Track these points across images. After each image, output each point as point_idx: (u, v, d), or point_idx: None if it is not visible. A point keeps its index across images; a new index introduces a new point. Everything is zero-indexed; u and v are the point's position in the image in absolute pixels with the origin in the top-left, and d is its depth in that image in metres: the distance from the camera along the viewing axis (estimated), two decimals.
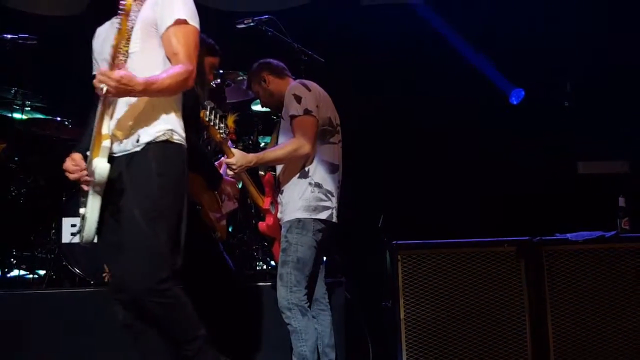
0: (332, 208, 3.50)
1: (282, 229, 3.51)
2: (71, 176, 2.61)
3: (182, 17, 2.61)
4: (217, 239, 3.68)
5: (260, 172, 3.84)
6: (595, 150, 5.49)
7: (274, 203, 3.65)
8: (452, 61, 5.53)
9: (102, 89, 2.34)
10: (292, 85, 3.56)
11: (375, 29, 5.69)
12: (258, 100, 4.39)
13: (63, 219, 4.38)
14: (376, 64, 5.69)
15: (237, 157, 3.39)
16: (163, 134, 2.59)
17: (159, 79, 2.45)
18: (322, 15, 5.66)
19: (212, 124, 3.17)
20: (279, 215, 3.57)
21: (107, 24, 2.79)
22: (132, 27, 2.58)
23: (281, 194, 3.54)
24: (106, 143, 2.47)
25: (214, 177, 3.55)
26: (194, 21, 2.66)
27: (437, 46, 5.49)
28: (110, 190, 2.54)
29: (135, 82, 2.38)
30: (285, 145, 3.47)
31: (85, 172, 2.57)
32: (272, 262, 4.53)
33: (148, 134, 2.58)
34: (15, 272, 4.75)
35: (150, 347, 2.70)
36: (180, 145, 2.64)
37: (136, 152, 2.58)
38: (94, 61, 2.78)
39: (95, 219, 2.57)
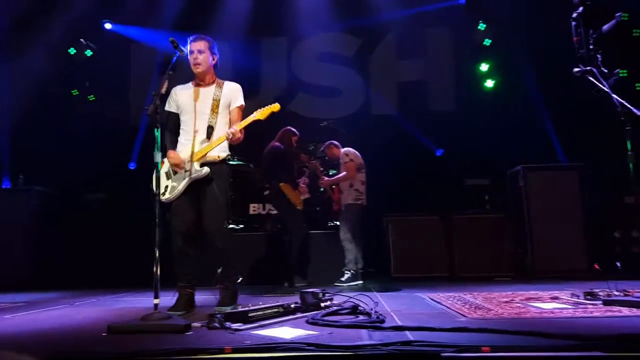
0: (362, 199, 6.09)
1: (342, 208, 6.14)
2: (172, 162, 3.73)
3: (242, 103, 3.98)
4: (298, 208, 6.01)
5: (333, 185, 6.51)
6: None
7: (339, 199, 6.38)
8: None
9: (229, 135, 3.68)
10: (345, 149, 6.26)
11: (378, 126, 8.07)
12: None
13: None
14: (383, 137, 7.82)
15: (325, 179, 6.32)
16: (227, 155, 3.90)
17: (241, 137, 3.78)
18: (356, 119, 8.12)
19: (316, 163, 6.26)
20: (341, 202, 6.28)
21: (183, 87, 3.94)
22: (219, 99, 3.86)
23: (342, 193, 6.26)
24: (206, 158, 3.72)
25: (295, 185, 6.09)
26: (243, 102, 3.97)
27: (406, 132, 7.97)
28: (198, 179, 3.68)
29: (239, 136, 3.74)
30: (343, 175, 6.13)
31: (183, 163, 3.71)
32: (337, 222, 6.66)
33: (223, 154, 3.84)
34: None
35: (190, 265, 3.77)
36: (230, 162, 3.92)
37: (215, 161, 3.78)
38: (172, 103, 3.85)
39: (181, 190, 3.70)
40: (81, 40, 8.13)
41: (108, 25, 8.35)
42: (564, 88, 6.81)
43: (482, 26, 7.96)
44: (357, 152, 6.25)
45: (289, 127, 6.25)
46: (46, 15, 7.67)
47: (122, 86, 8.54)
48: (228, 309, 3.56)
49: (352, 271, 5.87)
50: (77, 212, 7.11)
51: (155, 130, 3.18)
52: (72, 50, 8.18)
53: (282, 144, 6.11)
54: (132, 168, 7.97)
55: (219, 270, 3.56)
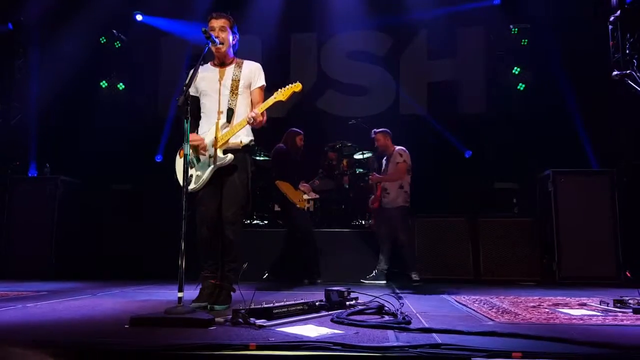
0: (409, 202, 5.92)
1: (393, 210, 5.83)
2: (193, 143, 3.53)
3: (263, 83, 3.82)
4: (299, 207, 5.92)
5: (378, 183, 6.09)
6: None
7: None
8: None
9: (251, 120, 3.48)
10: (399, 148, 5.97)
11: (407, 126, 7.71)
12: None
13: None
14: (411, 136, 7.15)
15: (375, 176, 6.00)
16: (250, 141, 3.72)
17: (264, 120, 3.57)
18: (385, 118, 7.68)
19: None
20: (383, 201, 5.92)
21: (202, 68, 3.63)
22: (238, 79, 3.67)
23: (388, 194, 5.90)
24: (229, 144, 3.56)
25: (296, 184, 6.02)
26: (264, 82, 3.80)
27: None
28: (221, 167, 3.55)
29: (261, 119, 3.51)
30: (395, 175, 5.89)
31: (204, 143, 3.57)
32: (362, 221, 6.81)
33: (246, 140, 3.67)
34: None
35: (215, 255, 3.65)
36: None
37: (238, 147, 3.60)
38: (193, 87, 3.43)
39: (206, 179, 3.58)
40: (113, 31, 8.22)
41: (139, 17, 8.44)
42: (597, 91, 6.69)
43: (514, 30, 7.82)
44: (408, 153, 6.08)
45: (292, 128, 6.28)
46: (77, 5, 7.75)
47: (151, 77, 8.61)
48: (223, 308, 3.49)
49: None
50: (102, 202, 7.19)
51: (185, 121, 3.18)
52: (102, 39, 8.27)
53: (285, 144, 6.19)
54: (158, 160, 8.02)
55: (245, 265, 3.52)
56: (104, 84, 8.34)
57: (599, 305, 3.84)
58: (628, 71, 3.84)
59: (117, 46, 8.30)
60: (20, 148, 7.51)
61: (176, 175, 3.73)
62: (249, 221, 6.86)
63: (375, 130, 6.10)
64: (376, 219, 6.24)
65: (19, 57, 7.53)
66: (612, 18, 5.47)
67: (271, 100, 3.56)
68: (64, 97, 7.67)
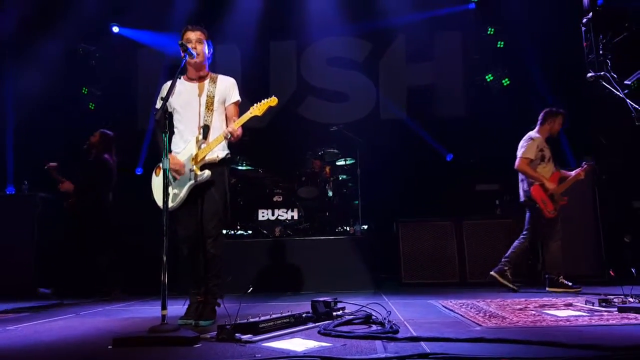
0: None
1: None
2: (173, 168, 3.47)
3: (238, 99, 3.76)
4: None
5: None
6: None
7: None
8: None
9: (228, 135, 3.45)
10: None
11: (388, 131, 8.09)
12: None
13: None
14: (392, 141, 7.90)
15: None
16: (227, 154, 3.69)
17: (240, 134, 3.50)
18: (366, 124, 8.12)
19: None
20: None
21: (179, 84, 3.57)
22: (213, 95, 3.63)
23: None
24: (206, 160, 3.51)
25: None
26: (239, 97, 3.74)
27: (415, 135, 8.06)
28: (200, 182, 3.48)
29: (238, 134, 3.47)
30: None
31: (183, 168, 3.49)
32: (346, 227, 6.81)
33: (222, 154, 3.63)
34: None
35: (201, 271, 3.58)
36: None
37: (215, 162, 3.57)
38: (166, 103, 3.26)
39: (184, 197, 3.51)
40: (87, 47, 8.15)
41: (115, 29, 8.40)
42: (574, 92, 6.77)
43: (491, 30, 7.89)
44: None
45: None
46: (54, 16, 7.63)
47: (129, 90, 8.54)
48: (208, 324, 3.44)
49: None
50: (82, 218, 6.98)
51: (163, 135, 3.13)
52: (82, 48, 8.20)
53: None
54: (139, 173, 7.90)
55: (229, 278, 3.46)
56: (85, 90, 8.27)
57: (584, 305, 3.87)
58: (602, 72, 3.88)
59: (92, 64, 8.27)
60: None
61: (153, 195, 3.66)
62: (232, 232, 6.76)
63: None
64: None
65: None
66: (584, 20, 5.53)
67: (247, 116, 3.52)
68: (42, 111, 7.51)
